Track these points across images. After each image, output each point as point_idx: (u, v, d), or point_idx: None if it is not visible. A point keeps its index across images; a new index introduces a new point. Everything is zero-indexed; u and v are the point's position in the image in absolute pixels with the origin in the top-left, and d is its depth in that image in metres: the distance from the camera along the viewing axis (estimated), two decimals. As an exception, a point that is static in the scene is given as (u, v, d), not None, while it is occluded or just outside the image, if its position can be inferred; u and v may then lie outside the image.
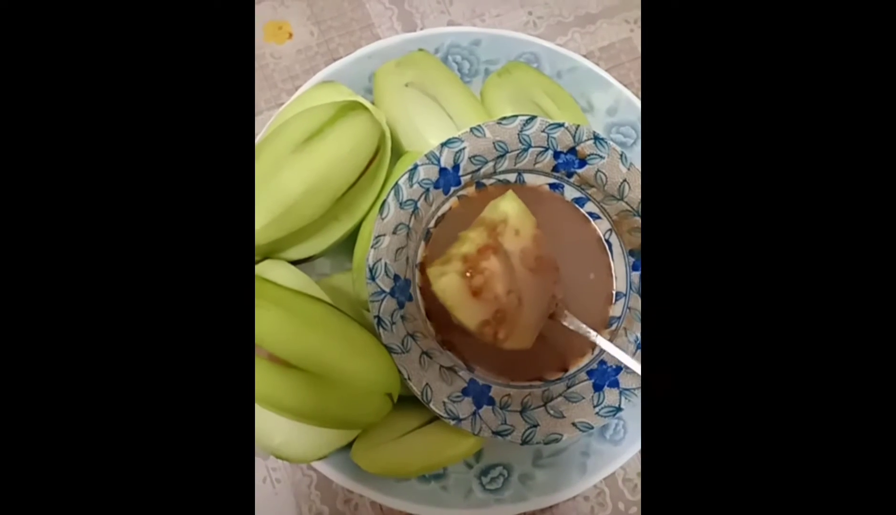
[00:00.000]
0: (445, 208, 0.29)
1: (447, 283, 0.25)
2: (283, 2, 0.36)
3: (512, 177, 0.29)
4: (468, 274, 0.25)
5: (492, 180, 0.29)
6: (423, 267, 0.28)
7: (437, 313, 0.28)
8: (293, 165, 0.23)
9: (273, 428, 0.23)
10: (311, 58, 0.35)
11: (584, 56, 0.36)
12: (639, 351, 0.28)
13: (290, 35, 0.35)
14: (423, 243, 0.29)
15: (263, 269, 0.24)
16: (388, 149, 0.27)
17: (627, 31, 0.37)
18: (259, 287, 0.23)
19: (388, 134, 0.27)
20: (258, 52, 0.35)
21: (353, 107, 0.25)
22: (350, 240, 0.28)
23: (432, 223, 0.29)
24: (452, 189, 0.29)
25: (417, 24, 0.36)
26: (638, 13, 0.37)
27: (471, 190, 0.29)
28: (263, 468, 0.31)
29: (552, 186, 0.30)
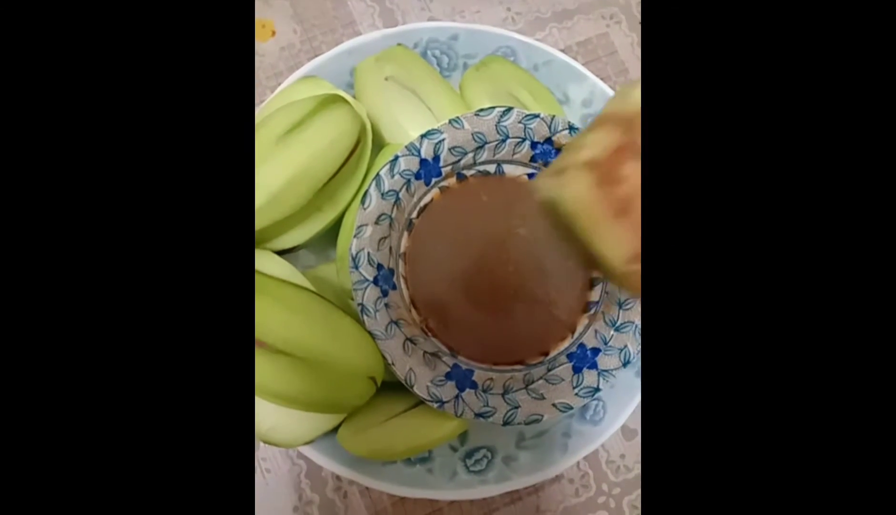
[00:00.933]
0: (427, 198, 0.30)
1: (577, 193, 0.16)
2: (266, 1, 0.36)
3: (492, 167, 0.30)
4: (604, 185, 0.16)
5: (472, 171, 0.30)
6: (406, 257, 0.29)
7: (421, 300, 0.29)
8: (275, 156, 0.24)
9: (262, 414, 0.24)
10: (294, 55, 0.36)
11: (562, 51, 0.37)
12: (616, 333, 0.28)
13: (273, 33, 0.36)
14: (405, 234, 0.29)
15: (248, 258, 0.25)
16: (368, 140, 0.28)
17: (604, 27, 0.38)
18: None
19: (368, 126, 0.27)
20: (242, 50, 0.36)
21: (334, 100, 0.26)
22: (333, 231, 0.29)
23: (415, 214, 0.29)
24: (434, 180, 0.29)
25: (399, 21, 0.36)
26: (614, 9, 0.38)
27: (452, 181, 0.30)
28: (254, 458, 0.31)
29: (530, 175, 0.30)
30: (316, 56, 0.36)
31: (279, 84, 0.36)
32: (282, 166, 0.24)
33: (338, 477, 0.31)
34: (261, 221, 0.24)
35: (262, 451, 0.32)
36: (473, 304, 0.29)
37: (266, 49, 0.36)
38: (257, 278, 0.23)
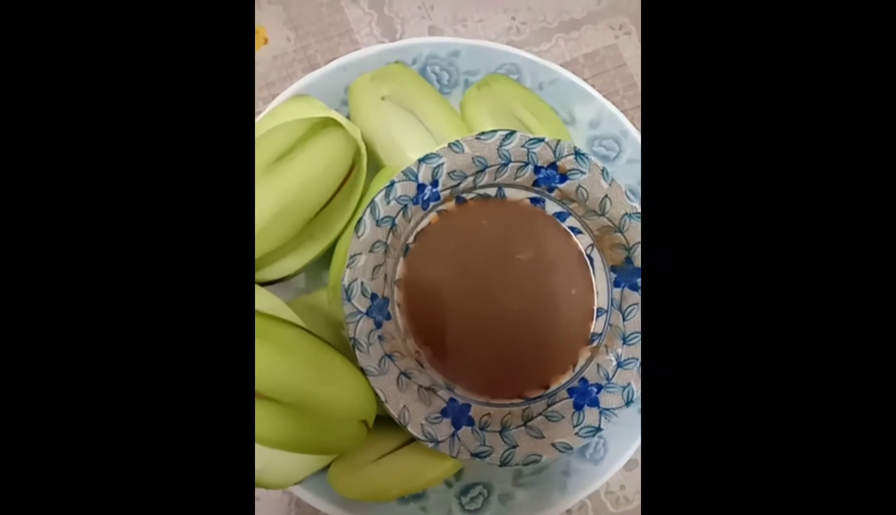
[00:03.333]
0: (425, 223, 0.28)
1: None
2: (258, 5, 0.35)
3: (492, 191, 0.29)
4: None
5: (472, 195, 0.29)
6: (401, 283, 0.28)
7: (417, 329, 0.28)
8: (265, 185, 0.23)
9: (246, 456, 0.23)
10: (287, 64, 0.34)
11: (569, 63, 0.35)
12: (619, 369, 0.27)
13: (266, 40, 0.34)
14: (401, 259, 0.28)
15: (234, 293, 0.24)
16: (363, 165, 0.26)
17: (612, 38, 0.36)
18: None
19: (363, 150, 0.26)
20: (233, 58, 0.34)
21: (326, 124, 0.24)
22: (326, 257, 0.27)
23: (411, 239, 0.28)
24: (432, 204, 0.28)
25: (397, 30, 0.35)
26: (623, 19, 0.36)
27: (450, 205, 0.29)
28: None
29: (533, 200, 0.29)
30: (311, 65, 0.34)
31: (272, 95, 0.34)
32: (272, 196, 0.23)
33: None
34: (248, 254, 0.23)
35: (251, 478, 0.31)
36: (471, 332, 0.28)
37: (258, 57, 0.34)
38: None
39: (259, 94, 0.34)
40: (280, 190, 0.23)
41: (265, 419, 0.21)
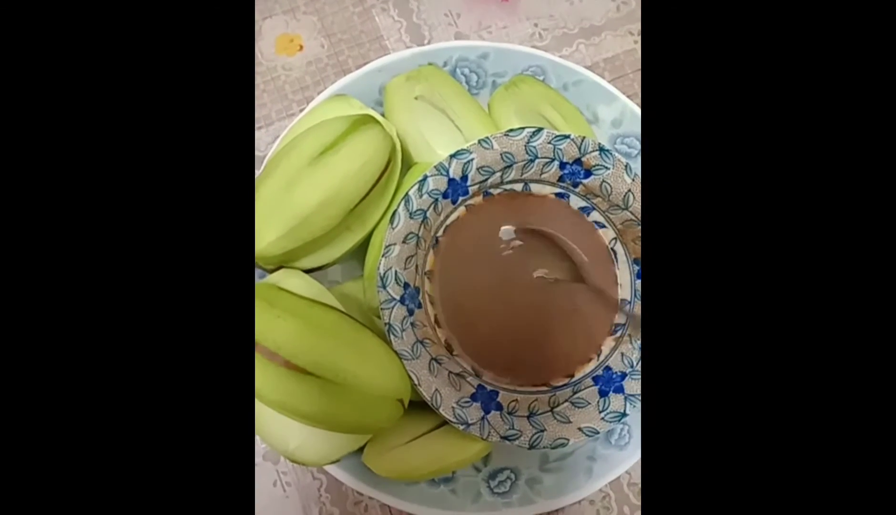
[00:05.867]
0: (453, 216, 0.30)
1: None
2: (294, 15, 0.37)
3: (518, 186, 0.30)
4: None
5: (499, 189, 0.30)
6: (430, 275, 0.29)
7: (446, 319, 0.29)
8: (308, 178, 0.24)
9: (288, 433, 0.24)
10: (321, 70, 0.36)
11: (589, 67, 0.36)
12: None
13: (301, 47, 0.36)
14: (431, 252, 0.29)
15: (278, 278, 0.25)
16: (398, 161, 0.28)
17: (631, 43, 0.37)
18: (275, 297, 0.23)
19: (398, 146, 0.27)
20: (269, 64, 0.36)
21: (365, 121, 0.26)
22: (361, 248, 0.29)
23: (440, 232, 0.29)
24: (461, 199, 0.29)
25: (425, 37, 0.36)
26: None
27: (478, 199, 0.30)
28: (274, 472, 0.32)
29: (558, 195, 0.30)
30: (343, 70, 0.36)
31: (306, 98, 0.36)
32: (314, 188, 0.24)
33: (358, 492, 0.31)
34: (292, 241, 0.24)
35: (282, 465, 0.32)
36: (497, 322, 0.29)
37: (293, 63, 0.36)
38: (287, 298, 0.23)
39: (293, 97, 0.36)
40: (323, 182, 0.24)
41: (307, 395, 0.22)
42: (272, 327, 0.22)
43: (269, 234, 0.24)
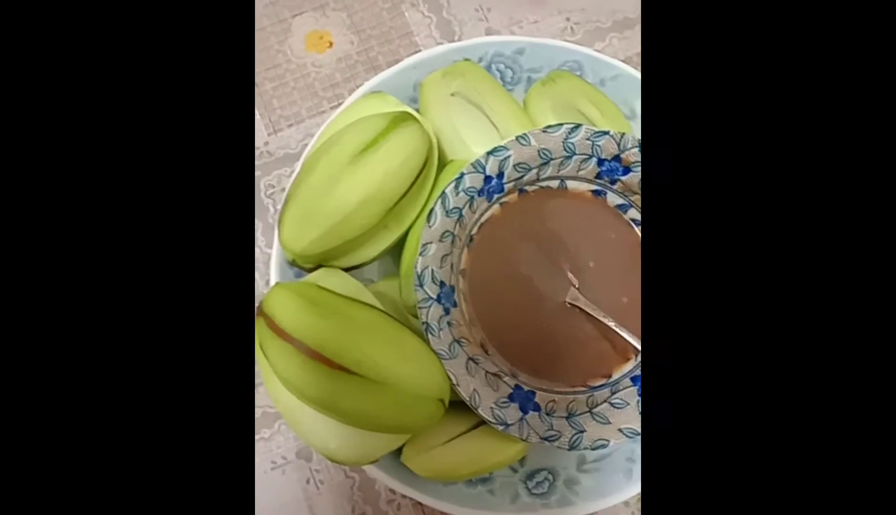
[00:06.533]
0: (488, 214, 0.29)
1: None
2: (324, 12, 0.36)
3: (555, 183, 0.30)
4: None
5: (534, 186, 0.30)
6: (465, 273, 0.29)
7: (481, 318, 0.29)
8: (349, 176, 0.24)
9: (329, 434, 0.24)
10: (351, 66, 0.36)
11: (623, 61, 0.36)
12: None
13: (331, 44, 0.36)
14: (465, 250, 0.29)
15: (318, 277, 0.25)
16: (435, 158, 0.27)
17: (665, 36, 0.37)
18: (316, 295, 0.23)
19: (435, 143, 0.27)
20: (299, 61, 0.36)
21: (404, 118, 0.25)
22: (396, 246, 0.29)
23: (475, 229, 0.29)
24: (496, 196, 0.29)
25: (455, 32, 0.36)
26: (676, 17, 0.37)
27: (513, 196, 0.30)
28: (307, 469, 0.32)
29: (595, 192, 0.30)
30: (373, 67, 0.36)
31: (336, 95, 0.36)
32: (355, 186, 0.24)
33: (391, 490, 0.31)
34: (332, 240, 0.24)
35: (314, 463, 0.32)
36: (533, 322, 0.29)
37: (323, 60, 0.36)
38: (329, 297, 0.23)
39: (324, 94, 0.36)
40: (364, 180, 0.24)
41: (350, 395, 0.22)
42: (315, 325, 0.22)
43: (310, 232, 0.24)
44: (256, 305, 0.25)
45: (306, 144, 0.35)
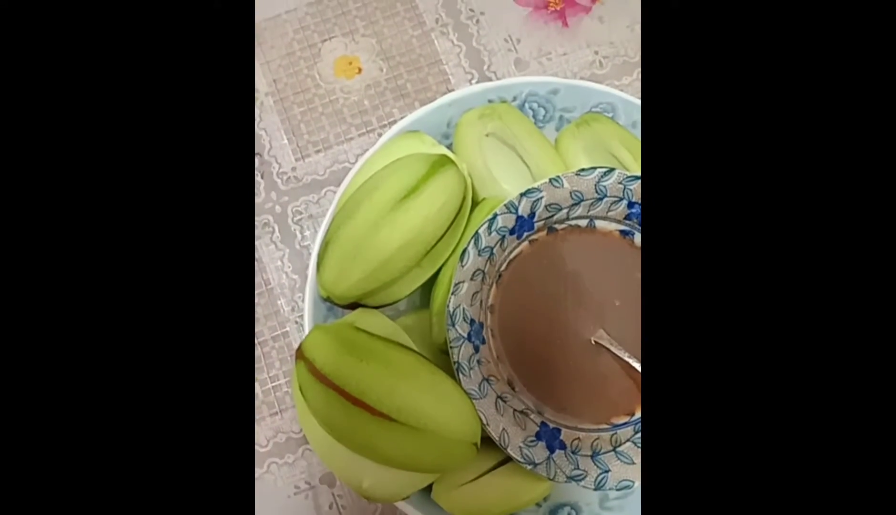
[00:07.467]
0: (517, 250, 0.30)
1: None
2: (353, 38, 0.37)
3: (584, 222, 0.30)
4: None
5: (563, 225, 0.30)
6: (493, 309, 0.29)
7: (508, 353, 0.29)
8: (391, 222, 0.24)
9: (363, 472, 0.24)
10: (380, 93, 0.36)
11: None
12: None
13: (360, 70, 0.36)
14: (494, 286, 0.29)
15: (355, 318, 0.25)
16: (469, 199, 0.28)
17: (691, 72, 0.37)
18: (355, 338, 0.24)
19: (470, 185, 0.27)
20: (328, 87, 0.36)
21: (443, 162, 0.26)
22: (426, 284, 0.29)
23: (504, 266, 0.30)
24: (525, 234, 0.29)
25: (485, 62, 0.36)
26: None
27: (542, 234, 0.30)
28: (329, 495, 0.32)
29: (622, 232, 0.30)
30: (401, 95, 0.36)
31: (364, 123, 0.36)
32: (397, 232, 0.24)
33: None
34: (372, 282, 0.25)
35: (337, 488, 0.32)
36: (558, 358, 0.29)
37: (352, 86, 0.36)
38: (368, 340, 0.24)
39: (352, 121, 0.36)
40: (405, 226, 0.24)
41: (389, 439, 0.22)
42: (355, 370, 0.22)
43: (352, 275, 0.24)
44: (295, 347, 0.25)
45: (334, 171, 0.35)
